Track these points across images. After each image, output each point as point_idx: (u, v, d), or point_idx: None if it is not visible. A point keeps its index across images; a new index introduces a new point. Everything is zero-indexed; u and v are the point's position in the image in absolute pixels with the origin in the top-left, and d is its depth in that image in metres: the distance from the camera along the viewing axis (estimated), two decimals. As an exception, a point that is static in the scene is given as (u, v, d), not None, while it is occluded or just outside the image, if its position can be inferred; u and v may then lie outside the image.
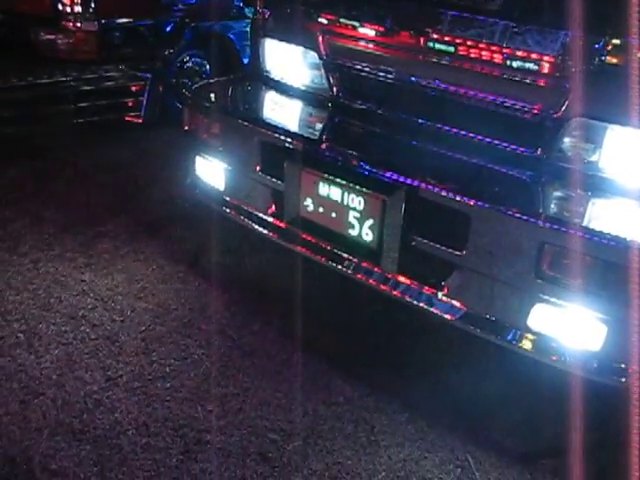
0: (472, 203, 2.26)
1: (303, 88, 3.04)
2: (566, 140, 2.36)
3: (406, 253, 2.42)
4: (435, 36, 2.55)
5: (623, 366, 2.19)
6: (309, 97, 3.01)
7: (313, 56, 2.96)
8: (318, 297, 3.13)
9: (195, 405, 2.45)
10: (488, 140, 2.51)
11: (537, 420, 2.51)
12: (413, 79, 2.64)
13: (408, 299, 2.48)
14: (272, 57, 3.15)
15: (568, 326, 2.22)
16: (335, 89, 2.92)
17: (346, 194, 2.50)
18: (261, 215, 2.88)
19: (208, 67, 5.13)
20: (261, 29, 3.22)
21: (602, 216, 2.21)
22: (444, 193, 2.30)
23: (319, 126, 2.85)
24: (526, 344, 2.32)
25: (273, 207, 2.83)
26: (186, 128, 3.14)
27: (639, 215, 2.22)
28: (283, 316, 2.98)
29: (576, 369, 2.27)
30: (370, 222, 2.46)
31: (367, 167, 2.46)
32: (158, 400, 2.46)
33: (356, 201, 2.48)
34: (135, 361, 2.64)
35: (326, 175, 2.55)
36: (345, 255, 2.60)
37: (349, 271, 2.60)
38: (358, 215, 2.49)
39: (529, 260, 2.19)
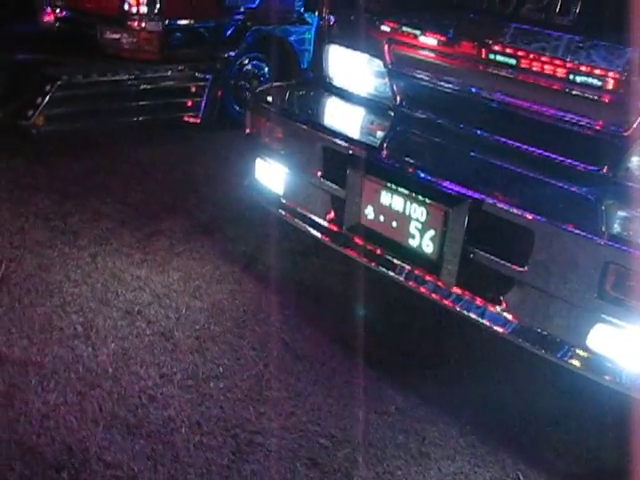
0: (537, 219, 2.23)
1: (366, 96, 3.04)
2: (634, 159, 2.32)
3: (466, 266, 2.40)
4: (504, 49, 2.53)
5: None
6: (372, 105, 3.01)
7: (378, 64, 2.96)
8: (372, 304, 3.12)
9: (247, 406, 2.47)
10: (553, 156, 2.48)
11: (592, 442, 2.46)
12: (478, 91, 2.62)
13: (466, 312, 2.46)
14: (336, 63, 3.16)
15: (630, 348, 2.18)
16: (399, 98, 2.91)
17: (408, 204, 2.49)
18: (320, 220, 2.89)
19: (267, 70, 5.18)
20: (326, 35, 3.24)
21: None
22: (508, 208, 2.27)
23: (382, 135, 2.85)
24: (585, 364, 2.27)
25: (332, 213, 2.83)
26: (247, 131, 3.18)
27: None
28: (336, 322, 2.99)
29: (636, 392, 2.23)
30: (431, 233, 2.45)
31: (431, 178, 2.45)
32: (211, 399, 2.48)
33: (418, 211, 2.47)
34: (189, 359, 2.67)
35: (389, 184, 2.55)
36: (404, 265, 2.59)
37: (407, 281, 2.58)
38: (419, 226, 2.48)
39: (592, 279, 2.14)
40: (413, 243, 2.52)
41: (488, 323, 2.42)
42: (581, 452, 2.44)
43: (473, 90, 2.64)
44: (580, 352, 2.27)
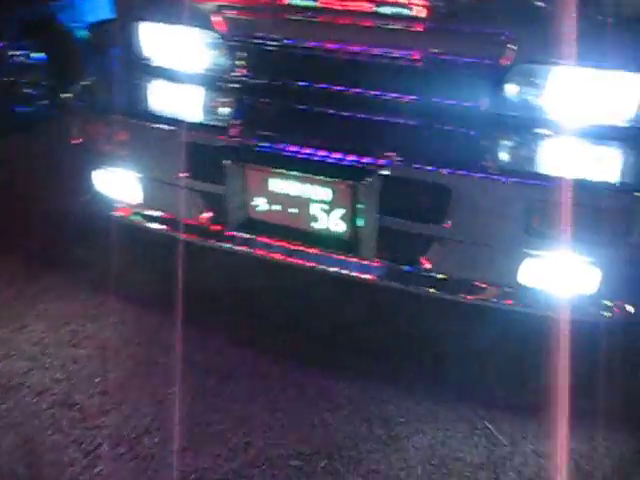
0: (449, 173, 2.15)
1: (203, 72, 2.66)
2: (510, 88, 2.28)
3: (384, 236, 2.26)
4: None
5: (617, 302, 2.24)
6: (213, 82, 2.64)
7: (209, 35, 2.62)
8: (261, 297, 2.94)
9: (198, 454, 2.18)
10: (432, 100, 2.37)
11: (532, 370, 2.50)
12: (337, 46, 2.42)
13: (392, 283, 2.36)
14: (153, 43, 2.74)
15: (560, 274, 2.22)
16: (244, 69, 2.59)
17: (307, 186, 2.28)
18: (195, 224, 2.58)
19: (43, 57, 4.49)
20: (133, 11, 2.82)
21: (568, 160, 2.20)
22: (420, 168, 2.16)
23: (245, 115, 2.53)
24: (518, 300, 2.29)
25: (211, 213, 2.53)
26: (76, 141, 2.73)
27: (602, 154, 2.25)
28: (238, 326, 2.76)
29: (572, 315, 2.29)
30: (340, 212, 2.27)
31: (327, 154, 2.25)
32: (155, 461, 2.15)
33: (320, 192, 2.27)
34: (107, 422, 2.29)
35: (277, 169, 2.31)
36: (312, 250, 2.40)
37: (319, 265, 2.41)
38: (325, 206, 2.29)
39: (517, 219, 2.13)
40: (319, 226, 2.34)
41: (418, 288, 2.35)
42: (528, 382, 2.48)
43: (331, 45, 2.42)
44: (512, 290, 2.29)
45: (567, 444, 2.26)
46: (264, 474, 2.13)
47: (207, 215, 2.52)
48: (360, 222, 2.25)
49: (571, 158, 2.21)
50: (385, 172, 2.16)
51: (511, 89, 2.27)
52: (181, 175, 2.48)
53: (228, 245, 2.51)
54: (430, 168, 2.17)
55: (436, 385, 2.49)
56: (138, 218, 2.73)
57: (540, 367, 2.50)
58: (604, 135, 2.22)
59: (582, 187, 2.06)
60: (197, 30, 2.63)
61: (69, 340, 2.66)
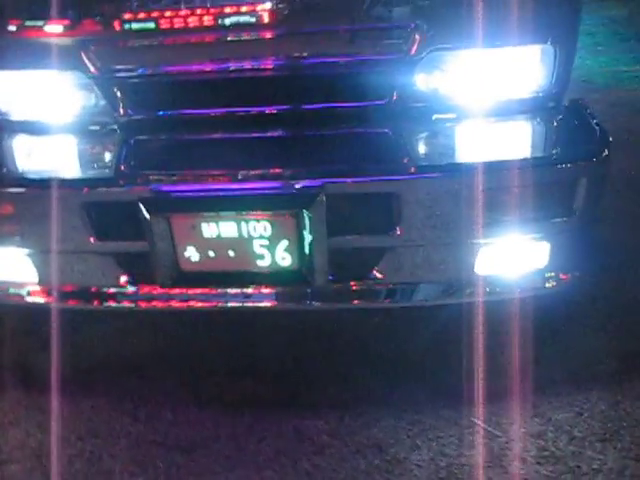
0: (388, 179, 2.07)
1: (75, 120, 2.32)
2: (420, 78, 2.21)
3: (336, 259, 2.12)
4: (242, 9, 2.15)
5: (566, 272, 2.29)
6: (87, 127, 2.33)
7: (77, 76, 2.27)
8: (192, 351, 2.71)
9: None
10: (356, 106, 2.22)
11: (495, 354, 2.46)
12: (232, 65, 2.21)
13: (353, 304, 2.23)
14: (12, 94, 2.37)
15: (516, 257, 2.22)
16: (122, 109, 2.27)
17: (243, 225, 2.08)
18: (114, 290, 2.29)
19: None
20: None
21: (496, 143, 2.18)
22: (363, 181, 2.06)
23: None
24: (479, 291, 2.26)
25: (129, 275, 2.25)
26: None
27: (522, 130, 2.26)
28: (180, 390, 2.49)
29: (528, 291, 2.31)
30: (284, 244, 2.10)
31: (258, 186, 2.06)
32: None
33: (259, 228, 2.08)
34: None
35: (208, 213, 2.09)
36: (261, 290, 2.21)
37: (273, 304, 2.23)
38: (266, 242, 2.10)
39: (459, 212, 2.08)
40: (264, 263, 2.14)
41: (383, 302, 2.26)
42: (495, 364, 2.42)
43: (228, 67, 2.20)
44: (472, 283, 2.25)
45: (553, 418, 2.29)
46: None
47: (130, 278, 2.24)
48: (307, 250, 2.08)
49: (498, 141, 2.19)
50: (323, 192, 2.01)
51: (426, 80, 2.19)
52: (90, 240, 2.18)
53: (165, 305, 2.26)
54: (366, 178, 2.07)
55: (407, 392, 2.40)
56: (37, 298, 2.39)
57: (502, 349, 2.52)
58: (523, 111, 2.25)
59: (515, 167, 2.06)
60: (63, 73, 2.30)
61: (-8, 458, 2.27)
